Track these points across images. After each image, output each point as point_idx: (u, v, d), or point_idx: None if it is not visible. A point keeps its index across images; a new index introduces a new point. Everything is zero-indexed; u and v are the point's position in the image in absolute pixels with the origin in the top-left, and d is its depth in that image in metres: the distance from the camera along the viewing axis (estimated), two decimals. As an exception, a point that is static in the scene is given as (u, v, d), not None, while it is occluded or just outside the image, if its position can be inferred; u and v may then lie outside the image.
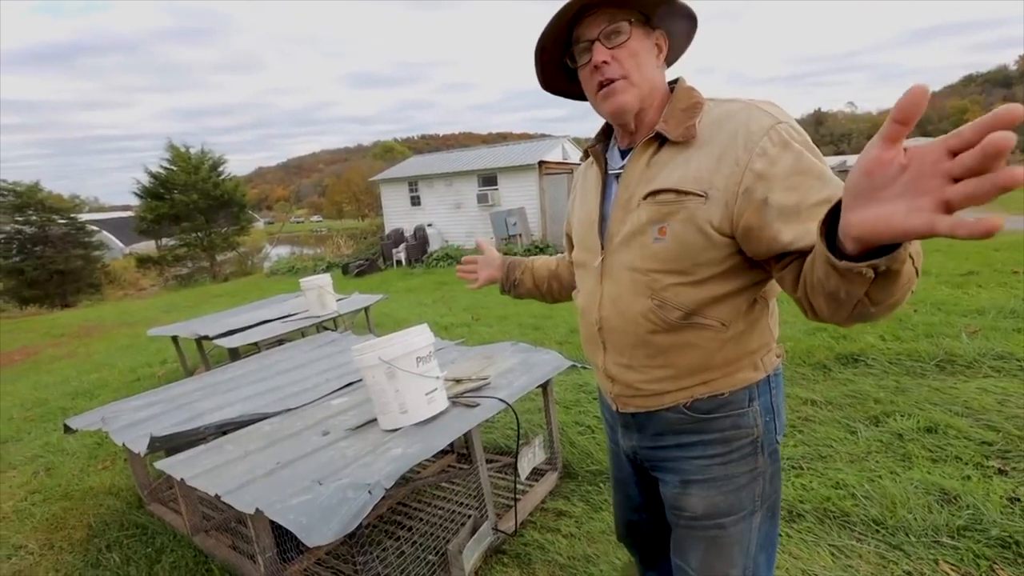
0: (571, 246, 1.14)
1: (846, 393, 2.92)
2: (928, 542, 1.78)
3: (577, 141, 15.61)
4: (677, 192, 0.81)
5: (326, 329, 4.67)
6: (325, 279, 4.67)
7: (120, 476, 3.08)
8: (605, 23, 0.84)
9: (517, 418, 2.11)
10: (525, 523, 2.18)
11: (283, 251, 23.52)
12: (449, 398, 1.99)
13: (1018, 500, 1.91)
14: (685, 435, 0.95)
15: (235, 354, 4.16)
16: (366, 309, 5.14)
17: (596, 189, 0.98)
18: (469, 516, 2.04)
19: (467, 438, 1.94)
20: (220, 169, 20.44)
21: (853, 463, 2.27)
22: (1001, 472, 2.09)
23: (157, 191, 18.88)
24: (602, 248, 0.94)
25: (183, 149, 19.54)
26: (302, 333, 4.64)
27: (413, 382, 1.77)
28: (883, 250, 0.53)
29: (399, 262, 12.71)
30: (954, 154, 0.43)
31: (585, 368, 3.04)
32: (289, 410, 2.23)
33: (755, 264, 0.82)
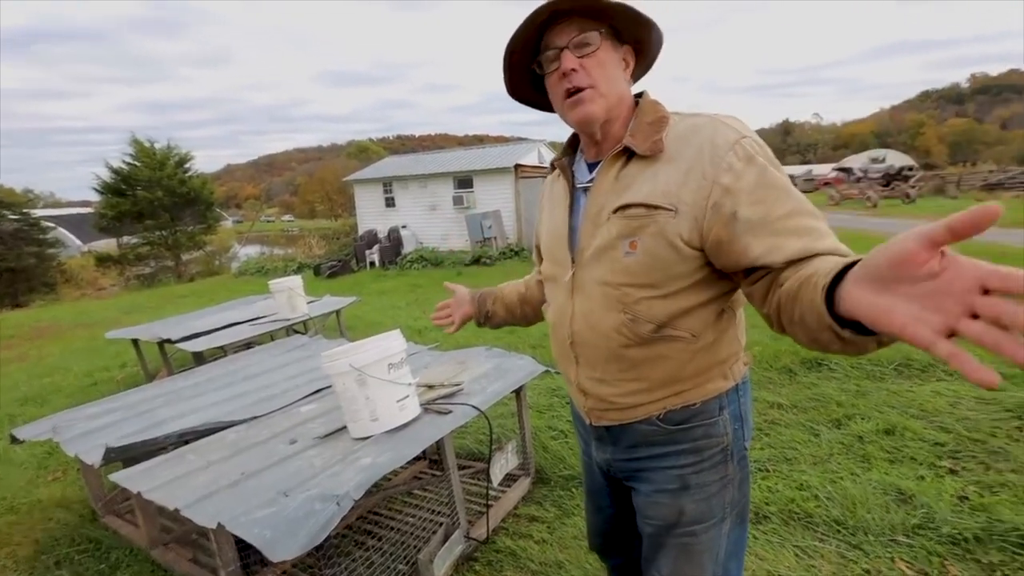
0: (540, 259, 1.14)
1: (810, 396, 3.02)
2: (885, 541, 1.85)
3: (553, 145, 15.72)
4: (647, 207, 0.82)
5: (296, 332, 4.56)
6: (296, 281, 4.57)
7: (72, 487, 2.93)
8: (575, 32, 0.84)
9: (490, 425, 2.10)
10: (497, 529, 2.17)
11: (252, 251, 22.90)
12: (421, 405, 1.97)
13: (967, 499, 2.00)
14: (658, 446, 0.95)
15: (200, 358, 4.02)
16: (338, 312, 5.04)
17: (564, 202, 0.98)
18: (441, 523, 2.02)
19: (439, 445, 1.92)
20: (187, 165, 19.73)
21: (816, 465, 2.35)
22: (952, 472, 2.20)
23: (119, 187, 18.09)
24: (572, 262, 0.94)
25: (147, 144, 18.77)
26: (271, 336, 4.52)
27: (384, 389, 1.74)
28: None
29: (372, 264, 12.53)
30: (987, 291, 0.41)
31: (559, 373, 3.05)
32: (255, 418, 2.16)
33: (723, 275, 0.84)
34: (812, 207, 0.77)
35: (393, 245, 12.89)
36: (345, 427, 1.85)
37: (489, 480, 2.12)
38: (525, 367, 2.43)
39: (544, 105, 0.99)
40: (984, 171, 24.27)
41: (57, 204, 54.02)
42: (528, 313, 1.29)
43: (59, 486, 2.98)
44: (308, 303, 4.81)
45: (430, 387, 2.20)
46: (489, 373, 2.34)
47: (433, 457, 2.72)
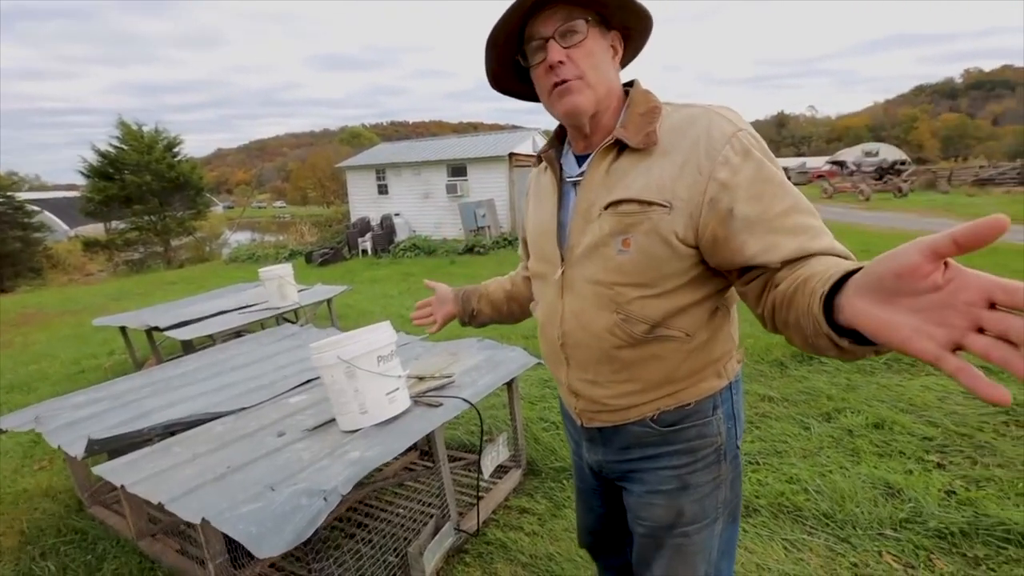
0: (527, 254, 1.10)
1: (801, 390, 3.03)
2: (873, 534, 1.86)
3: (547, 134, 15.57)
4: (640, 202, 0.79)
5: (287, 321, 4.52)
6: (286, 269, 4.52)
7: (58, 477, 2.89)
8: (561, 21, 0.80)
9: (481, 419, 2.08)
10: (488, 521, 2.17)
11: (243, 237, 22.64)
12: (412, 397, 1.94)
13: (954, 493, 2.02)
14: (652, 447, 0.94)
15: (189, 347, 3.96)
16: (329, 301, 5.00)
17: (552, 197, 0.94)
18: (431, 515, 2.01)
19: (430, 438, 1.91)
20: (176, 150, 19.39)
21: (806, 458, 2.36)
22: (940, 466, 2.22)
23: (106, 171, 17.74)
24: (562, 259, 0.91)
25: (135, 127, 18.39)
26: (261, 325, 4.47)
27: (374, 382, 1.71)
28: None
29: (365, 252, 12.44)
30: (993, 304, 0.40)
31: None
32: (243, 409, 2.13)
33: (717, 272, 0.82)
34: (808, 203, 0.75)
35: (386, 233, 12.79)
36: (334, 419, 1.83)
37: (480, 472, 2.11)
38: (517, 359, 2.41)
39: (530, 95, 0.94)
40: (975, 166, 24.47)
41: (43, 187, 53.03)
42: (515, 310, 1.26)
43: (45, 475, 2.94)
44: (299, 291, 4.76)
45: (421, 379, 2.18)
46: (481, 365, 2.33)
47: (424, 448, 2.71)
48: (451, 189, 12.86)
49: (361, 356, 1.66)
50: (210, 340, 4.12)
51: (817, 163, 33.05)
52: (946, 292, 0.42)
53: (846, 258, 0.69)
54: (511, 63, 0.89)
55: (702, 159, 0.75)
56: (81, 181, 19.22)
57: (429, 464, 2.56)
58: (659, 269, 0.80)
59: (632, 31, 0.88)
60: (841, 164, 24.31)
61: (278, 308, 4.38)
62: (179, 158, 19.43)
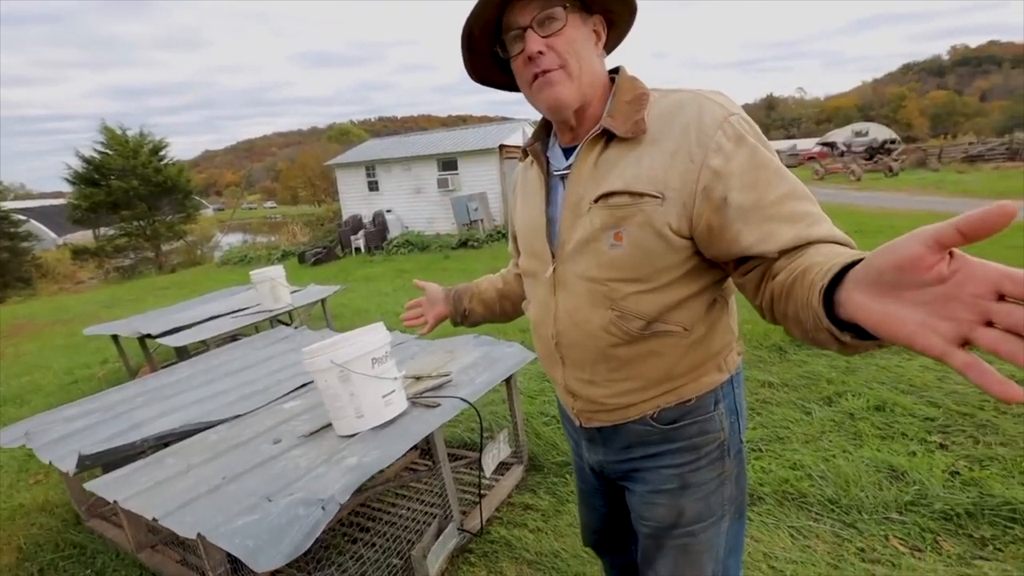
0: (518, 251, 1.06)
1: (801, 374, 3.02)
2: (879, 519, 1.85)
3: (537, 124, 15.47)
4: (631, 194, 0.75)
5: (280, 323, 4.47)
6: (277, 271, 4.46)
7: (55, 491, 2.85)
8: (538, 8, 0.75)
9: (480, 417, 2.05)
10: (491, 519, 2.15)
11: (235, 239, 22.45)
12: (409, 398, 1.91)
13: (958, 473, 2.02)
14: (653, 446, 0.91)
15: (183, 353, 3.91)
16: (323, 301, 4.95)
17: (539, 191, 0.90)
18: (434, 516, 1.99)
19: (429, 439, 1.88)
20: (162, 153, 19.13)
21: (809, 443, 2.35)
22: (942, 447, 2.21)
23: (91, 177, 17.49)
24: (552, 256, 0.88)
25: (119, 131, 18.13)
26: (256, 328, 4.42)
27: (369, 384, 1.68)
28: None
29: (358, 249, 12.35)
30: (1002, 296, 0.37)
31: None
32: (237, 417, 2.09)
33: (714, 264, 0.79)
34: (805, 189, 0.72)
35: (378, 230, 12.70)
36: (331, 424, 1.79)
37: (481, 470, 2.09)
38: (514, 355, 2.38)
39: (515, 86, 0.89)
40: (964, 143, 24.55)
41: (28, 196, 52.33)
42: (508, 309, 1.22)
43: (41, 489, 2.90)
44: (292, 292, 4.71)
45: (418, 378, 2.15)
46: (478, 362, 2.29)
47: (424, 447, 2.68)
48: (442, 183, 12.76)
49: (355, 359, 1.62)
50: (204, 346, 4.07)
51: (807, 145, 33.06)
52: (951, 284, 0.40)
53: (846, 245, 0.66)
54: (489, 55, 0.84)
55: (693, 146, 0.72)
56: (67, 188, 18.97)
57: (428, 463, 2.54)
58: (653, 263, 0.77)
59: (615, 15, 0.83)
60: (831, 145, 24.31)
61: (271, 310, 4.33)
62: (165, 161, 19.19)
